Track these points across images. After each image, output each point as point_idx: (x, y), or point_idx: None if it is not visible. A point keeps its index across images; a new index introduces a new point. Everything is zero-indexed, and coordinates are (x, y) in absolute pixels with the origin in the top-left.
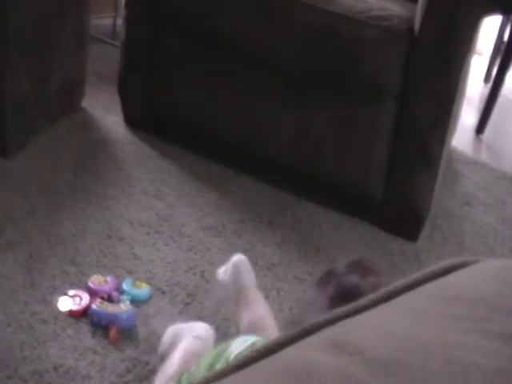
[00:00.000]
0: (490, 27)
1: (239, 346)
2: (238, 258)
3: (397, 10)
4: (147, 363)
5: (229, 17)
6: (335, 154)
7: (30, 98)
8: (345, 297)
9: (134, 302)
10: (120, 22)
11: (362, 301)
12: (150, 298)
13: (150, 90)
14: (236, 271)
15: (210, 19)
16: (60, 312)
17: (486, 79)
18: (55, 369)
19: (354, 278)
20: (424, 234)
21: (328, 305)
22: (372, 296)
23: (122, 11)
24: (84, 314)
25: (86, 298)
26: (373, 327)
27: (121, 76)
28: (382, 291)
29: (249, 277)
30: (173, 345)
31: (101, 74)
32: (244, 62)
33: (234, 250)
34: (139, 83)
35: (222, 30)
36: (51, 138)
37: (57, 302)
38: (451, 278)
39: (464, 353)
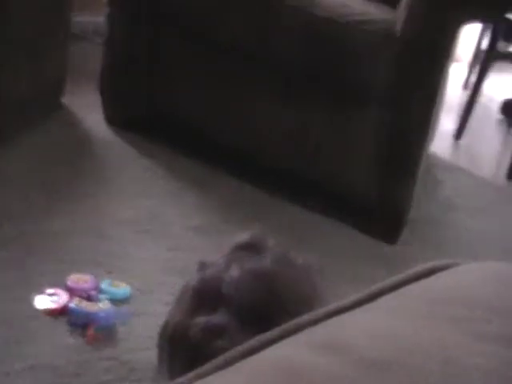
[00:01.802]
0: (469, 35)
1: None
2: None
3: (378, 14)
4: (126, 362)
5: (217, 18)
6: (320, 157)
7: (11, 96)
8: (205, 289)
9: (114, 301)
10: (102, 19)
11: (346, 301)
12: (129, 297)
13: (131, 89)
14: None
15: (203, 20)
16: (38, 310)
17: (465, 86)
18: (32, 368)
19: (218, 270)
20: (403, 237)
21: (190, 297)
22: (355, 296)
23: (105, 9)
24: (62, 312)
25: (64, 297)
26: (359, 327)
27: (102, 74)
28: (365, 291)
29: None
30: None
31: (82, 72)
32: (227, 61)
33: (218, 250)
34: (121, 82)
35: (206, 29)
36: (31, 137)
37: (35, 300)
38: (434, 280)
39: (463, 354)
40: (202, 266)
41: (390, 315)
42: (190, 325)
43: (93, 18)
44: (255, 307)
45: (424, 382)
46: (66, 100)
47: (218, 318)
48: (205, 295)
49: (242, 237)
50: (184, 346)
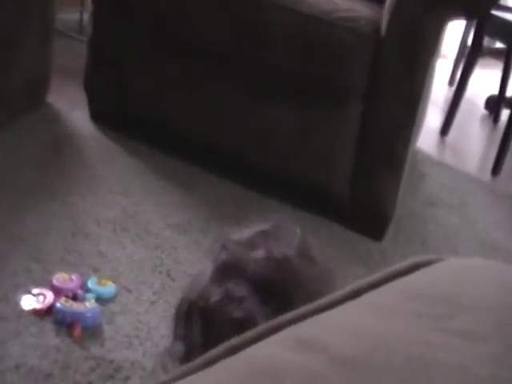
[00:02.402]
0: (454, 31)
1: None
2: None
3: (364, 11)
4: (112, 362)
5: (197, 15)
6: (301, 154)
7: None
8: (227, 269)
9: (99, 300)
10: (87, 16)
11: (328, 298)
12: (115, 296)
13: (116, 87)
14: None
15: (177, 18)
16: (23, 310)
17: (451, 82)
18: (17, 368)
19: (240, 251)
20: (389, 233)
21: (211, 276)
22: (338, 293)
23: (89, 6)
24: (48, 312)
25: (50, 296)
26: (338, 325)
27: (87, 71)
28: (347, 289)
29: None
30: None
31: (67, 70)
32: (212, 60)
33: (200, 249)
34: (106, 79)
35: (189, 29)
36: (15, 134)
37: (20, 300)
38: (415, 277)
39: (426, 350)
40: (224, 247)
41: (368, 312)
42: (212, 292)
43: (77, 15)
44: (274, 285)
45: (387, 378)
46: (51, 97)
47: (238, 288)
48: (227, 271)
49: (267, 223)
50: (202, 312)
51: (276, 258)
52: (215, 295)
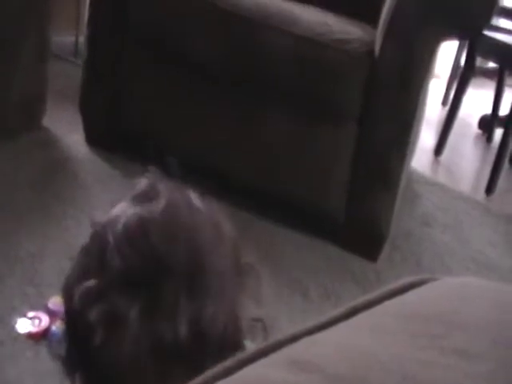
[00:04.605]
0: (447, 52)
1: None
2: None
3: (357, 33)
4: None
5: (194, 37)
6: (296, 174)
7: None
8: (92, 251)
9: None
10: (82, 40)
11: (322, 319)
12: None
13: (112, 109)
14: None
15: (175, 38)
16: (19, 334)
17: (444, 102)
18: None
19: (106, 227)
20: (384, 253)
21: (78, 260)
22: (332, 314)
23: (84, 29)
24: (43, 336)
25: (45, 320)
26: (332, 345)
27: (82, 94)
28: (341, 309)
29: None
30: None
31: (63, 93)
32: (208, 81)
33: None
34: (101, 101)
35: (186, 49)
36: (10, 156)
37: (15, 323)
38: (409, 296)
39: (420, 369)
40: (94, 224)
41: (362, 332)
42: (74, 291)
43: (73, 38)
44: (133, 271)
45: None
46: (46, 120)
47: (98, 282)
48: (92, 257)
49: (140, 184)
50: (68, 315)
51: (134, 236)
52: (77, 294)
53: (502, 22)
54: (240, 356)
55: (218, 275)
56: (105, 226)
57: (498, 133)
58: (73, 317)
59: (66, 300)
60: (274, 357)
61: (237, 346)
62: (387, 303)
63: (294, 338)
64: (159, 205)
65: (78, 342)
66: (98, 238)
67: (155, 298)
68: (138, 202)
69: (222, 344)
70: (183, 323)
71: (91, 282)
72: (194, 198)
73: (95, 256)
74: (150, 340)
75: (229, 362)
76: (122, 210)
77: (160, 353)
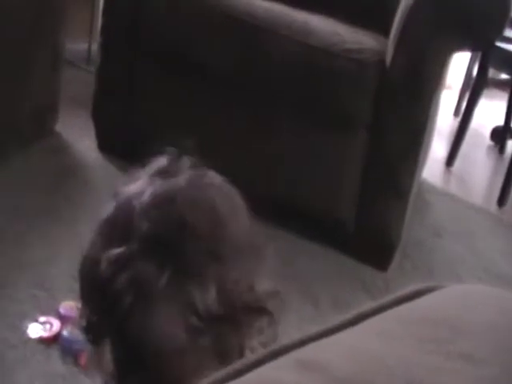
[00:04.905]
0: (459, 63)
1: None
2: None
3: (369, 43)
4: None
5: (207, 46)
6: (306, 182)
7: (2, 121)
8: (117, 220)
9: None
10: (95, 47)
11: (332, 323)
12: None
13: (124, 116)
14: None
15: (187, 47)
16: (30, 339)
17: (456, 113)
18: None
19: (131, 198)
20: (394, 263)
21: (102, 228)
22: (341, 319)
23: (97, 37)
24: (55, 340)
25: (56, 325)
26: (339, 348)
27: (95, 101)
28: (349, 315)
29: None
30: None
31: (75, 99)
32: (220, 89)
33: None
34: (114, 108)
35: (198, 57)
36: (24, 163)
37: (27, 328)
38: (416, 302)
39: (427, 373)
40: (117, 194)
41: (369, 336)
42: (101, 259)
43: (86, 46)
44: (161, 236)
45: None
46: (59, 127)
47: (124, 249)
48: (117, 226)
49: (159, 162)
50: (94, 283)
51: (159, 199)
52: (105, 261)
53: None
54: (249, 358)
55: (238, 244)
56: (130, 198)
57: (511, 144)
58: (99, 285)
59: (88, 270)
60: (282, 359)
61: (262, 311)
62: (394, 309)
63: (302, 342)
64: (183, 178)
65: (105, 310)
66: (124, 207)
67: (183, 263)
68: (159, 178)
69: (247, 310)
70: (211, 287)
71: (119, 250)
72: (212, 174)
73: (121, 224)
74: (180, 304)
75: (238, 364)
76: (145, 184)
77: (190, 318)
